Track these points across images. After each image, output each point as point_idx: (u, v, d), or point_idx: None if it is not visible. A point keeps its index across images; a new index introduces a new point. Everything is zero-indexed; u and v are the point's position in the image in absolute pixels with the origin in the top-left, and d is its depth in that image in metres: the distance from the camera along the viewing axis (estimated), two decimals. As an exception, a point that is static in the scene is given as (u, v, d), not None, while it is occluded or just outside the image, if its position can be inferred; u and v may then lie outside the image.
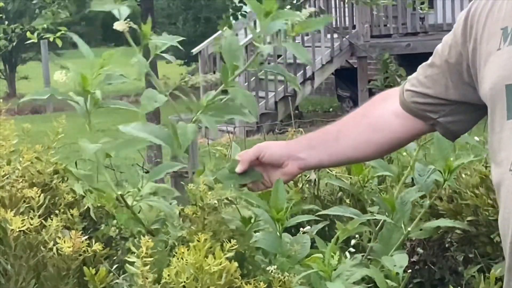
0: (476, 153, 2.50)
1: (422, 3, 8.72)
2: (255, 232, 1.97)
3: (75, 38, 1.92)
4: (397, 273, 2.03)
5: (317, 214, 2.31)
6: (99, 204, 2.21)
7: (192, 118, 1.90)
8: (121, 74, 1.92)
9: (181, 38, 1.96)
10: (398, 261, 2.08)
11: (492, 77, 1.60)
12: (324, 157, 1.92)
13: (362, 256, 2.21)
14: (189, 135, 1.85)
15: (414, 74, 1.84)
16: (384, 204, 2.26)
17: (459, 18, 1.72)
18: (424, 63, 1.82)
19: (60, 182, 2.21)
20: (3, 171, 2.11)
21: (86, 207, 2.20)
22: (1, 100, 2.43)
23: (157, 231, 1.93)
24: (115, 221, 2.15)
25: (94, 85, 1.88)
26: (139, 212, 1.92)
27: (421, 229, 2.30)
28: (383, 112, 1.88)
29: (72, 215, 2.11)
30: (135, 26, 1.87)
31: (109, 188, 1.90)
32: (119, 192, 1.87)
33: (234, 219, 1.93)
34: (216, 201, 1.89)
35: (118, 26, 1.87)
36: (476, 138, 2.33)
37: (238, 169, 1.93)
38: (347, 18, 12.64)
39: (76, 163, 2.52)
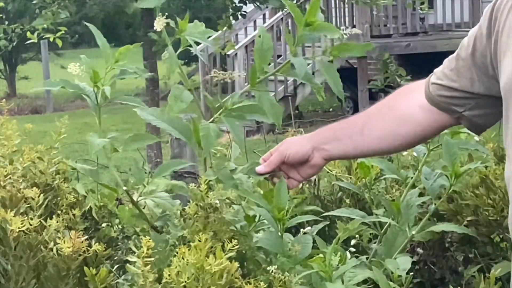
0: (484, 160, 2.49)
1: (422, 3, 8.73)
2: (256, 232, 1.97)
3: (93, 29, 1.89)
4: (399, 275, 2.03)
5: (321, 215, 2.30)
6: (101, 204, 2.21)
7: (212, 119, 1.88)
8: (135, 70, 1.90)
9: (216, 33, 1.95)
10: (402, 263, 2.08)
11: (506, 72, 1.60)
12: (349, 149, 1.92)
13: (367, 258, 2.21)
14: (212, 137, 1.82)
15: (440, 67, 1.82)
16: (390, 206, 2.26)
17: (485, 10, 1.71)
18: (450, 56, 1.81)
19: (62, 182, 2.21)
20: (6, 171, 2.11)
21: (88, 207, 2.20)
22: (4, 100, 2.43)
23: (162, 228, 1.92)
24: (117, 221, 2.15)
25: (107, 79, 1.86)
26: (144, 208, 1.91)
27: (423, 230, 2.29)
28: (409, 105, 1.86)
29: (74, 215, 2.11)
30: (172, 24, 1.86)
31: (113, 184, 1.89)
32: (125, 188, 1.86)
33: (237, 220, 1.92)
34: (217, 201, 1.89)
35: (157, 24, 1.85)
36: (476, 138, 2.32)
37: (261, 170, 1.91)
38: (347, 18, 12.63)
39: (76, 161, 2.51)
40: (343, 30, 1.90)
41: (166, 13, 1.94)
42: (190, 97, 1.85)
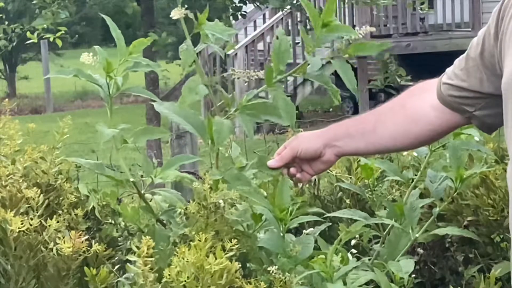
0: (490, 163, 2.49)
1: (422, 3, 8.74)
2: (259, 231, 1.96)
3: (108, 21, 1.89)
4: (401, 278, 2.03)
5: (324, 216, 2.30)
6: (104, 203, 2.20)
7: (227, 115, 1.88)
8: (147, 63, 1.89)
9: (234, 31, 1.94)
10: (404, 266, 2.07)
11: (507, 70, 1.60)
12: (361, 145, 1.93)
13: (369, 259, 2.21)
14: (225, 132, 1.82)
15: (451, 67, 1.83)
16: (393, 208, 2.25)
17: (494, 10, 1.72)
18: (461, 56, 1.82)
19: (64, 182, 2.21)
20: (8, 170, 2.11)
21: (90, 206, 2.20)
22: (6, 100, 2.43)
23: (168, 222, 1.92)
24: (120, 219, 2.14)
25: (120, 71, 1.86)
26: (150, 201, 1.91)
27: (426, 232, 2.29)
28: (420, 104, 1.87)
29: (76, 215, 2.11)
30: (191, 16, 1.85)
31: (116, 181, 1.89)
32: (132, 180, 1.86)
33: (240, 220, 1.92)
34: (221, 201, 1.88)
35: (175, 13, 1.85)
36: (477, 138, 2.32)
37: (273, 164, 1.94)
38: (347, 18, 12.63)
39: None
40: (357, 31, 1.91)
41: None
42: (205, 91, 1.84)
